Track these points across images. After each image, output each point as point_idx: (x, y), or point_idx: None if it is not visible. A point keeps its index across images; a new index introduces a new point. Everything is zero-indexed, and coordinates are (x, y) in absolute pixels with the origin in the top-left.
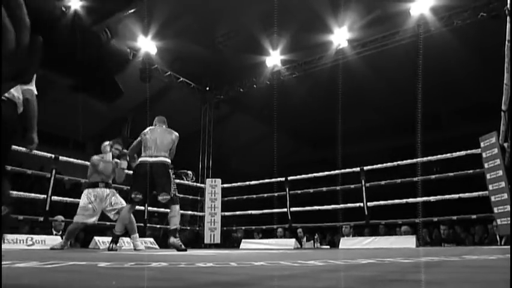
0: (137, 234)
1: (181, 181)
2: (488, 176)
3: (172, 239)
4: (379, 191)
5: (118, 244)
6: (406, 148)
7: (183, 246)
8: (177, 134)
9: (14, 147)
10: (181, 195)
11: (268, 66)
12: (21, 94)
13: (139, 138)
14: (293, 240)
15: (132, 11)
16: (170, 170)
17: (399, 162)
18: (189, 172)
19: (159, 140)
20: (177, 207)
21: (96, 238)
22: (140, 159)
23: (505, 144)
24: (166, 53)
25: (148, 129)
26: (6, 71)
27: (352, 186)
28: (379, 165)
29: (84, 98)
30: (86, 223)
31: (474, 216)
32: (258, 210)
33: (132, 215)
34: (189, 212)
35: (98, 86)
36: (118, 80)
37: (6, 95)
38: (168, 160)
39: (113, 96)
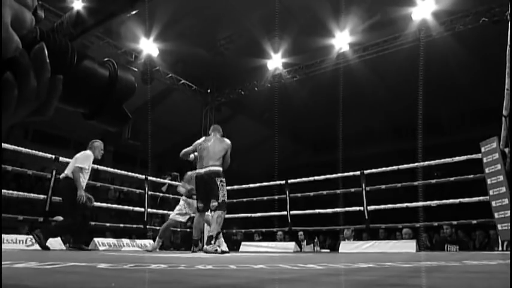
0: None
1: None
2: (488, 181)
3: (205, 247)
4: (380, 195)
5: (198, 247)
6: (406, 152)
7: (219, 250)
8: (229, 142)
9: (15, 147)
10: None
11: (269, 69)
12: None
13: (193, 147)
14: (293, 243)
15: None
16: (217, 178)
17: (400, 167)
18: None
19: (210, 150)
20: (218, 213)
21: (96, 239)
22: (196, 171)
23: (506, 150)
24: (168, 55)
25: (202, 139)
26: (26, 111)
27: (353, 190)
28: (379, 169)
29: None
30: (180, 221)
31: (475, 221)
32: (258, 213)
33: (202, 222)
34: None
35: (107, 115)
36: (125, 107)
37: None
38: (218, 168)
39: (121, 122)
